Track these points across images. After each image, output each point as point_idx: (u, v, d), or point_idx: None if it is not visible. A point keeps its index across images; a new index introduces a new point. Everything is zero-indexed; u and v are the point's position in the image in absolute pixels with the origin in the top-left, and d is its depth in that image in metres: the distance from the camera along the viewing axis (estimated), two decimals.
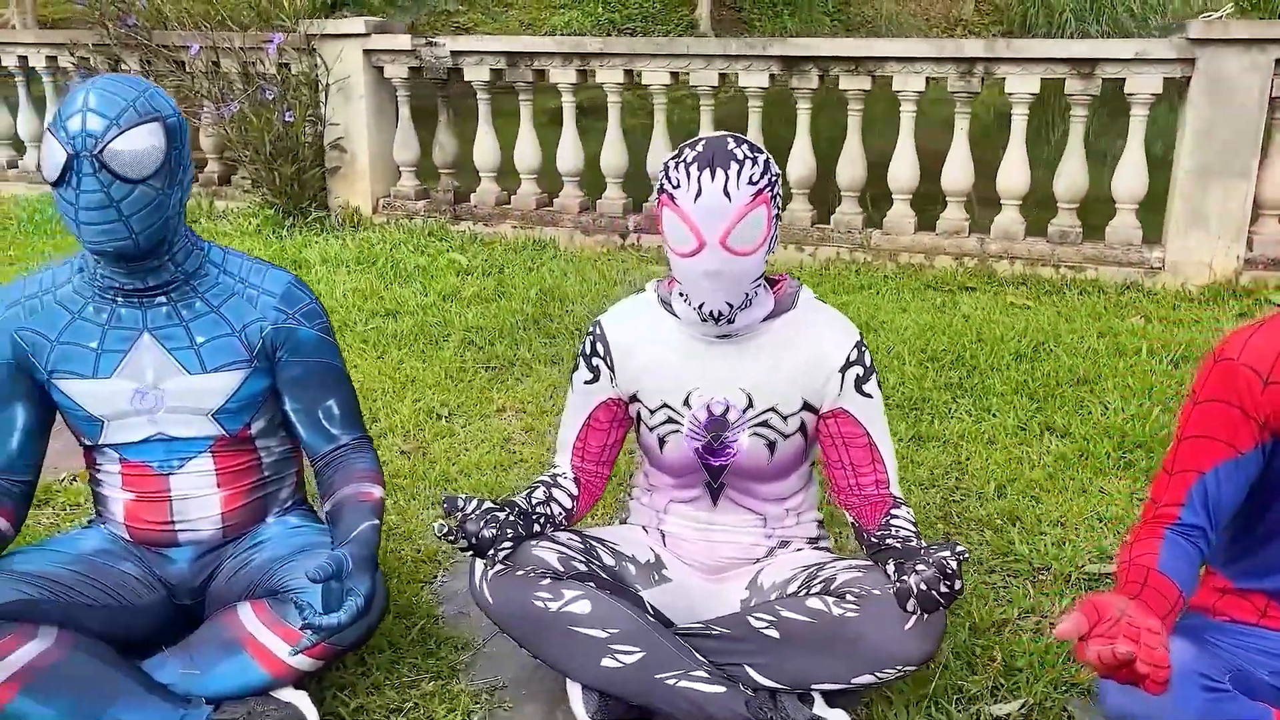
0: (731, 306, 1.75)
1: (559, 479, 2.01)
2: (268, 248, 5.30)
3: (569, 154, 5.58)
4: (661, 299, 1.92)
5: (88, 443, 1.96)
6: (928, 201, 5.17)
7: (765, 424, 1.88)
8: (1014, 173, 4.82)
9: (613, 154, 5.50)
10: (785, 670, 1.75)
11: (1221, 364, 1.59)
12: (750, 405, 1.88)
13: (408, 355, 3.89)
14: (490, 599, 1.81)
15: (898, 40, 4.72)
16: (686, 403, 1.90)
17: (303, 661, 1.78)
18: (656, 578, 1.97)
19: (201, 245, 1.93)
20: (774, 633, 1.76)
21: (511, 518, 1.80)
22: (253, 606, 1.83)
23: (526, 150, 5.66)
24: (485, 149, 5.74)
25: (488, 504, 1.79)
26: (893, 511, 1.85)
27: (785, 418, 1.88)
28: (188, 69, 5.94)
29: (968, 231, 4.94)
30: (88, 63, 6.28)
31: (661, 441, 1.94)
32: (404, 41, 5.61)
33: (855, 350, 1.86)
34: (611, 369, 1.94)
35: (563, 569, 1.83)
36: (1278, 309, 1.60)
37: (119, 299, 1.87)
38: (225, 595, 1.95)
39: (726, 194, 1.68)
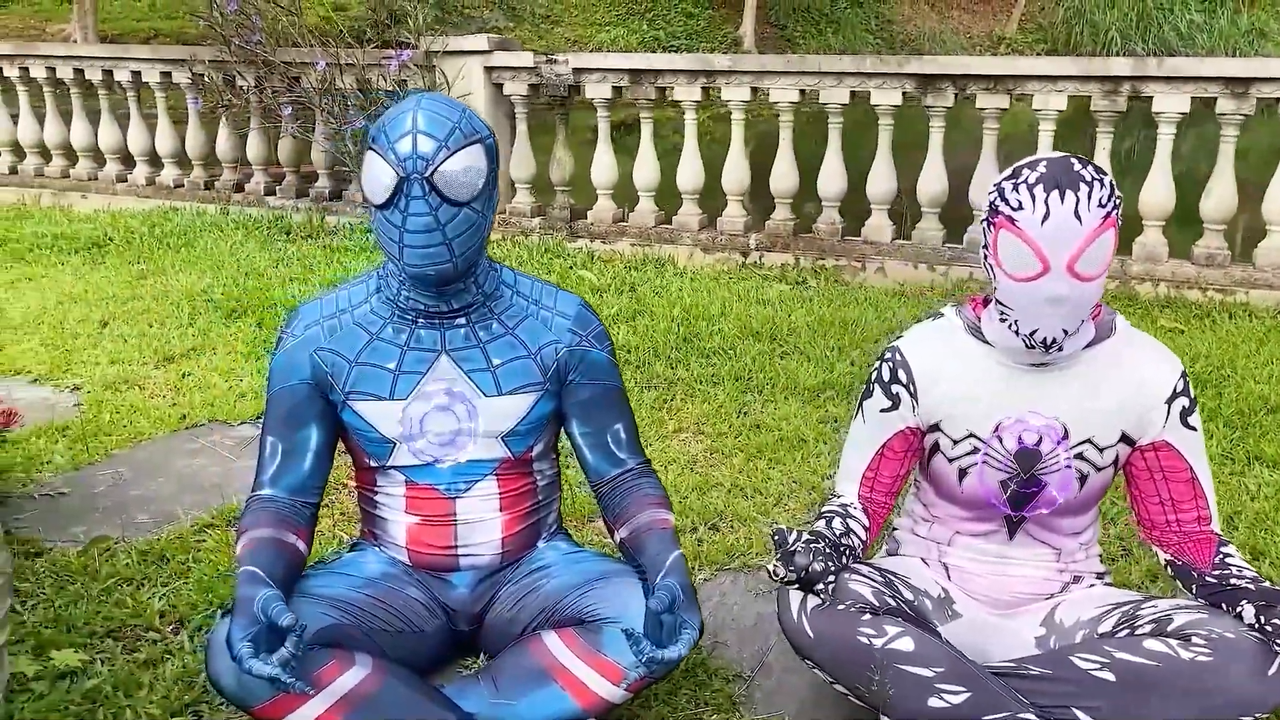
0: (1066, 333, 1.70)
1: (849, 510, 1.95)
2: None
3: (689, 172, 5.55)
4: (967, 324, 1.86)
5: (373, 464, 1.92)
6: None
7: (1080, 456, 1.82)
8: (1159, 192, 4.73)
9: (734, 172, 5.46)
10: (1126, 715, 1.68)
11: None
12: (1065, 436, 1.81)
13: None
14: (811, 633, 1.75)
15: (1042, 59, 4.66)
16: (995, 433, 1.84)
17: (620, 694, 1.73)
18: (949, 613, 1.91)
19: (496, 267, 1.90)
20: (1109, 675, 1.69)
21: (829, 550, 1.75)
22: (561, 636, 1.78)
23: (646, 167, 5.63)
24: (603, 166, 5.71)
25: (807, 534, 1.74)
26: (1223, 550, 1.78)
27: (1101, 450, 1.82)
28: (303, 84, 5.97)
29: None
30: (202, 79, 6.33)
31: (962, 473, 1.88)
32: (526, 59, 5.61)
33: (1181, 381, 1.81)
34: (914, 396, 1.88)
35: (878, 604, 1.77)
36: None
37: (419, 320, 1.84)
38: (511, 623, 1.91)
39: (1077, 216, 1.63)
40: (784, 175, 5.36)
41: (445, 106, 1.71)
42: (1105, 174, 1.68)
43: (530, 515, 1.98)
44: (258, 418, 3.40)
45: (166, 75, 6.57)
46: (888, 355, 1.91)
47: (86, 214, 6.71)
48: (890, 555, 2.09)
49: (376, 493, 1.95)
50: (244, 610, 1.58)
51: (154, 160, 6.85)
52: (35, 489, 2.89)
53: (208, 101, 6.22)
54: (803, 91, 5.24)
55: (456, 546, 1.92)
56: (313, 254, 5.57)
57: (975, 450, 1.85)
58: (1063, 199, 1.63)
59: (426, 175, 1.65)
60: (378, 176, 1.68)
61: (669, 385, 3.75)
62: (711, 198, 5.63)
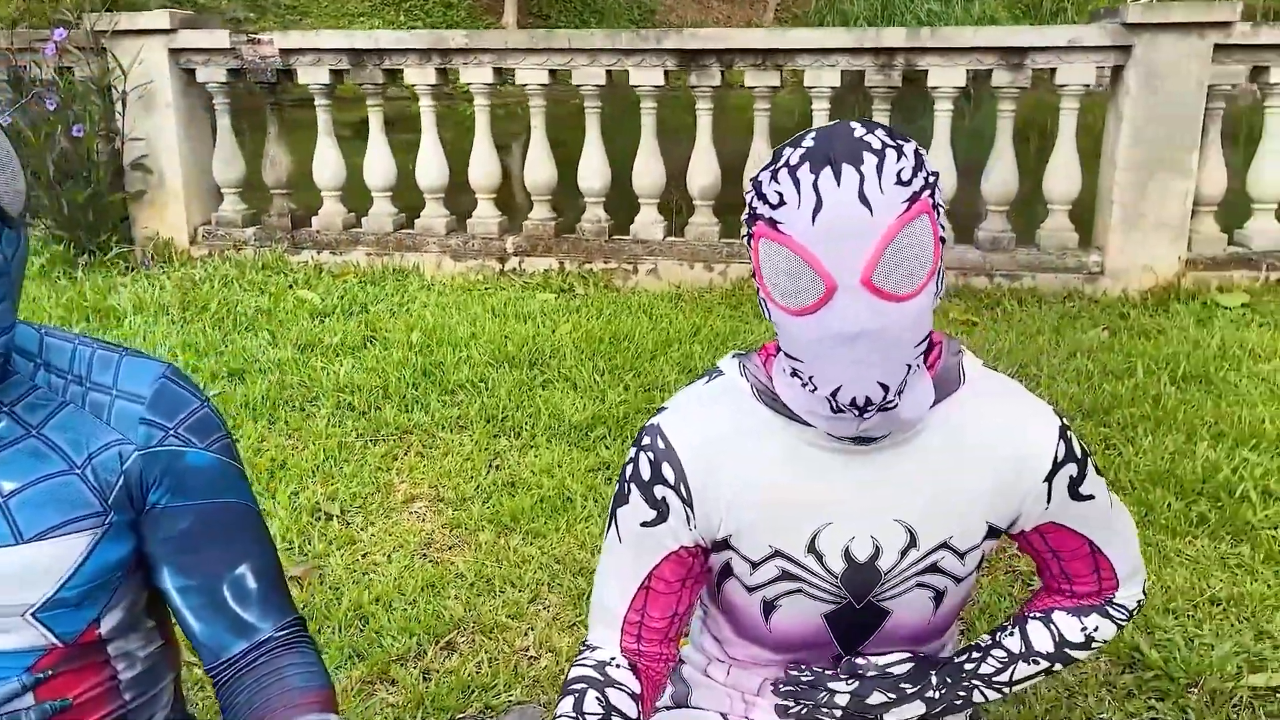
0: (886, 390, 1.09)
1: (610, 671, 1.30)
2: (60, 295, 4.24)
3: (431, 168, 4.78)
4: (756, 386, 1.23)
5: None
6: None
7: (934, 568, 1.24)
8: (939, 173, 4.37)
9: (482, 166, 4.74)
10: None
11: None
12: (912, 544, 1.23)
13: (268, 430, 3.04)
14: None
15: (813, 30, 4.22)
16: (812, 548, 1.23)
17: None
18: None
19: (4, 323, 1.11)
20: None
21: None
22: None
23: (378, 164, 4.82)
24: (327, 164, 4.85)
25: None
26: (1087, 606, 1.33)
27: (963, 555, 1.24)
28: None
29: None
30: None
31: (769, 606, 1.26)
32: (221, 39, 4.66)
33: (1061, 445, 1.24)
34: (687, 501, 1.24)
35: None
36: None
37: None
38: None
39: (865, 201, 1.02)
40: (539, 168, 4.69)
41: None
42: (904, 139, 1.08)
43: None
44: None
45: None
46: (645, 440, 1.26)
47: None
48: (676, 707, 1.46)
49: None
50: None
51: None
52: None
53: None
54: (553, 73, 4.58)
55: None
56: None
57: (785, 575, 1.24)
58: (839, 179, 1.02)
59: None
60: None
61: (401, 435, 3.01)
62: (463, 196, 4.89)
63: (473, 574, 2.29)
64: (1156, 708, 1.80)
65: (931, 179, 1.06)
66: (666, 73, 4.47)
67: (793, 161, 1.07)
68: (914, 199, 1.03)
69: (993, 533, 1.25)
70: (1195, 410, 2.98)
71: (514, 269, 4.71)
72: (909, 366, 1.09)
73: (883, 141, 1.05)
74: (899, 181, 1.03)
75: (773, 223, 1.07)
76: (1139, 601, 1.34)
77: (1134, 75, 4.06)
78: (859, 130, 1.06)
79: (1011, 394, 1.25)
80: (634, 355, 3.57)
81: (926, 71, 4.25)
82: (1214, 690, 1.82)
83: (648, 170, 4.60)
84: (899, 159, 1.04)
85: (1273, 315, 3.92)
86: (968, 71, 4.23)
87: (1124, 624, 1.33)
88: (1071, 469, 1.23)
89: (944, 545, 1.23)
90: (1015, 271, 4.35)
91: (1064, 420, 1.24)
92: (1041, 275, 4.32)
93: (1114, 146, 4.20)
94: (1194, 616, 2.06)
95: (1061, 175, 4.30)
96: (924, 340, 1.09)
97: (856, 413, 1.09)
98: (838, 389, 1.08)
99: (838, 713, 1.29)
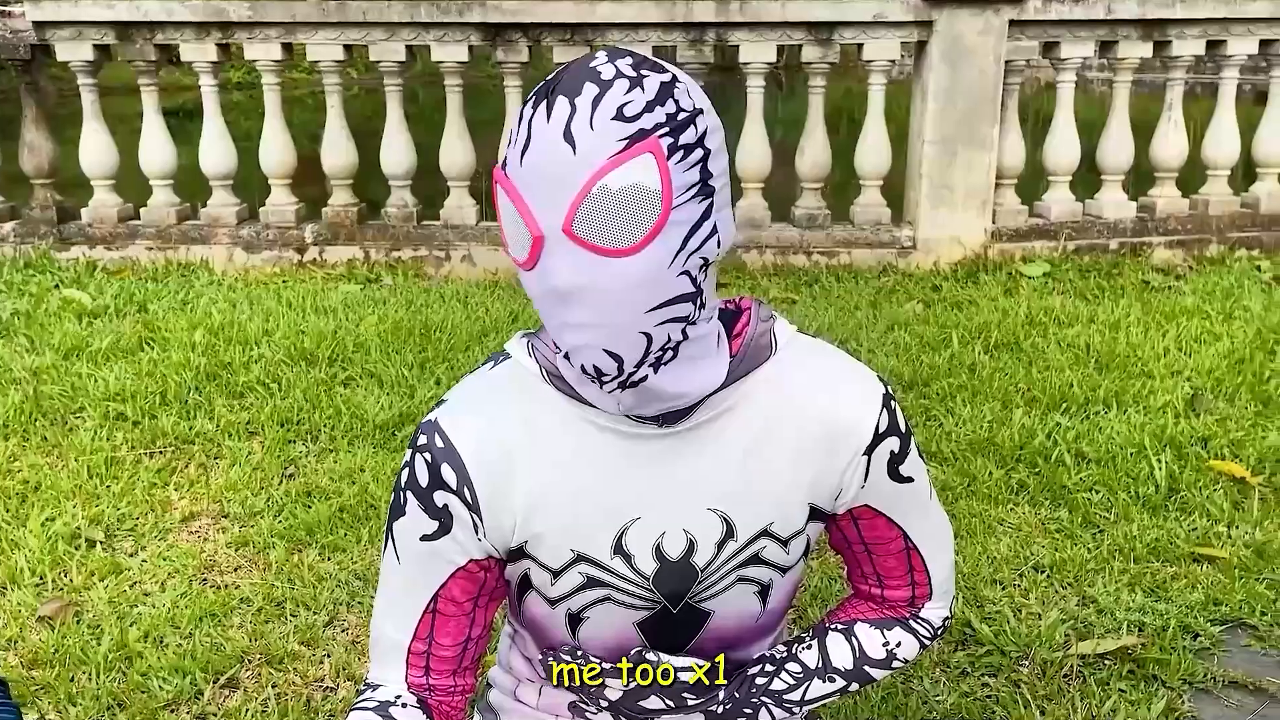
0: (620, 361, 0.93)
1: (394, 713, 1.10)
2: None
3: (215, 152, 4.38)
4: (547, 368, 1.06)
5: None
6: None
7: (756, 559, 1.10)
8: (754, 153, 4.34)
9: (273, 150, 4.38)
10: None
11: None
12: (730, 534, 1.08)
13: (20, 448, 2.65)
14: None
15: (623, 4, 4.07)
16: (618, 549, 1.07)
17: None
18: None
19: None
20: None
21: None
22: None
23: (156, 148, 4.38)
24: (96, 149, 4.37)
25: None
26: (892, 618, 1.21)
27: (786, 542, 1.10)
28: None
29: None
30: None
31: (575, 619, 1.10)
32: None
33: (885, 414, 1.11)
34: (474, 508, 1.05)
35: None
36: None
37: None
38: None
39: (569, 139, 0.87)
40: (337, 150, 4.36)
41: None
42: (657, 70, 0.90)
43: None
44: None
45: None
46: (421, 440, 1.06)
47: None
48: None
49: None
50: None
51: None
52: None
53: None
54: (349, 48, 4.27)
55: None
56: None
57: (591, 582, 1.07)
58: (550, 114, 0.87)
59: None
60: None
61: (180, 446, 2.68)
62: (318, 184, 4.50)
63: (260, 598, 2.03)
64: (990, 684, 1.75)
65: (678, 117, 0.89)
66: (471, 48, 4.24)
67: (532, 99, 0.91)
68: (638, 138, 0.86)
69: (817, 515, 1.12)
70: (1009, 378, 3.01)
71: (314, 259, 4.38)
72: (648, 337, 0.92)
73: (618, 71, 0.88)
74: (619, 117, 0.86)
75: (503, 165, 0.92)
76: (945, 622, 1.22)
77: (936, 50, 4.12)
78: (601, 58, 0.90)
79: (830, 360, 1.11)
80: (447, 347, 3.34)
81: (737, 46, 4.19)
82: (1044, 661, 1.78)
83: (455, 151, 4.35)
84: (629, 91, 0.87)
85: (1072, 283, 4.06)
86: (779, 47, 4.19)
87: (928, 643, 1.21)
88: (893, 443, 1.10)
89: (765, 533, 1.09)
90: (832, 248, 4.36)
91: (888, 389, 1.11)
92: (857, 251, 4.35)
93: (921, 122, 4.26)
94: (1020, 585, 2.03)
95: (872, 151, 4.33)
96: (672, 305, 0.92)
97: (595, 381, 0.94)
98: (569, 354, 0.94)
99: (604, 703, 1.14)
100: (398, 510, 1.08)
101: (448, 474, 1.04)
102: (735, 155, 4.35)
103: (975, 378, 3.00)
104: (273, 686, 1.78)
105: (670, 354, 0.94)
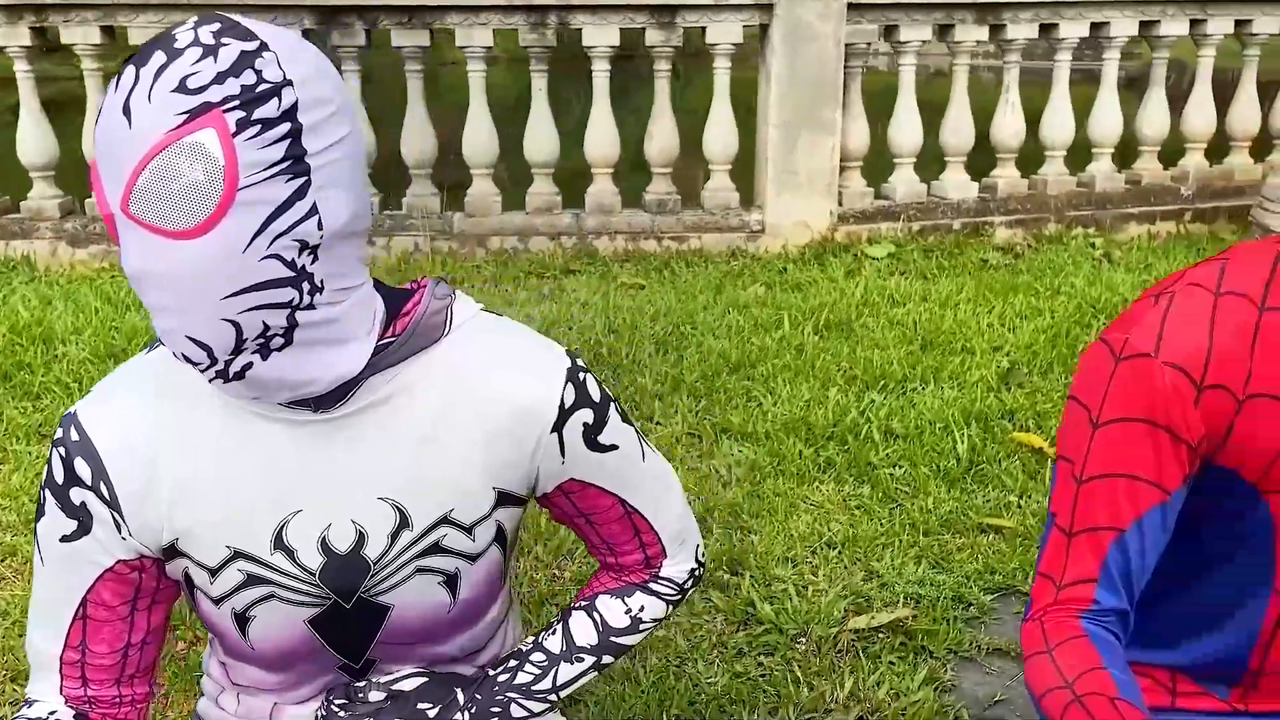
0: (208, 349, 0.86)
1: None
2: None
3: (32, 140, 4.15)
4: None
5: None
6: (513, 177, 4.53)
7: (437, 548, 1.05)
8: (600, 138, 4.29)
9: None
10: None
11: (1133, 363, 1.02)
12: (404, 524, 1.03)
13: None
14: None
15: None
16: (280, 544, 1.01)
17: None
18: None
19: None
20: None
21: None
22: None
23: None
24: None
25: None
26: (632, 584, 1.18)
27: (470, 529, 1.06)
28: None
29: (560, 207, 4.35)
30: None
31: (242, 619, 1.03)
32: None
33: (570, 388, 1.06)
34: (113, 505, 0.98)
35: None
36: (1179, 274, 1.06)
37: None
38: None
39: (126, 111, 0.81)
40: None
41: None
42: (251, 39, 0.83)
43: None
44: None
45: None
46: (59, 433, 0.99)
47: None
48: None
49: None
50: None
51: None
52: None
53: None
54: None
55: None
56: None
57: (252, 579, 1.01)
58: (118, 84, 0.82)
59: None
60: None
61: None
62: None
63: (18, 610, 1.91)
64: (764, 663, 1.73)
65: (257, 89, 0.82)
66: (305, 32, 4.09)
67: None
68: (199, 111, 0.80)
69: (508, 499, 1.07)
70: (833, 357, 3.03)
71: None
72: (234, 324, 0.85)
73: (195, 39, 0.81)
74: (180, 89, 0.80)
75: None
76: (694, 573, 1.19)
77: (778, 33, 4.13)
78: (187, 25, 0.83)
79: (508, 339, 1.07)
80: None
81: (581, 30, 4.14)
82: (820, 638, 1.77)
83: None
84: (199, 60, 0.80)
85: (914, 263, 4.13)
86: (621, 30, 4.15)
87: (676, 600, 1.18)
88: (585, 415, 1.06)
89: (445, 520, 1.04)
90: (682, 234, 4.34)
91: (577, 362, 1.07)
92: (707, 236, 4.34)
93: (765, 105, 4.27)
94: (811, 563, 2.03)
95: (718, 135, 4.32)
96: (260, 291, 0.85)
97: (199, 369, 0.88)
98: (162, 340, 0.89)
99: None
100: (40, 511, 1.00)
101: (82, 469, 0.97)
102: (583, 141, 4.31)
103: (800, 358, 3.01)
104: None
105: (281, 340, 0.88)
